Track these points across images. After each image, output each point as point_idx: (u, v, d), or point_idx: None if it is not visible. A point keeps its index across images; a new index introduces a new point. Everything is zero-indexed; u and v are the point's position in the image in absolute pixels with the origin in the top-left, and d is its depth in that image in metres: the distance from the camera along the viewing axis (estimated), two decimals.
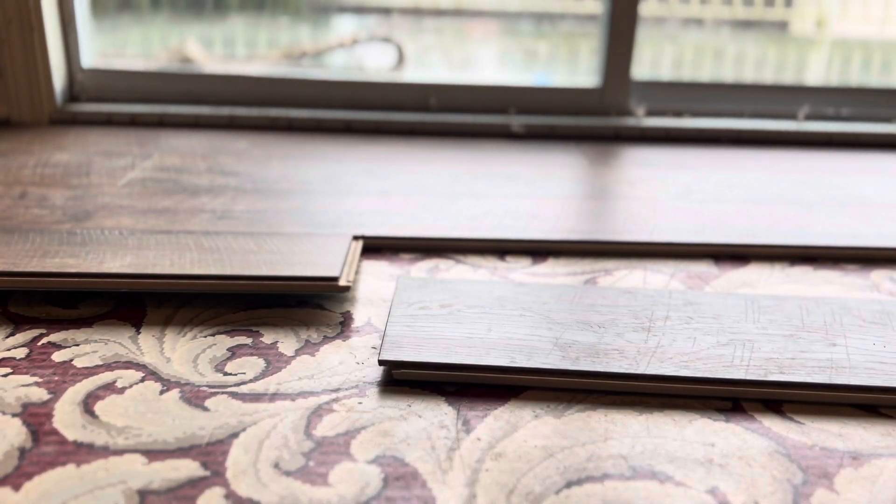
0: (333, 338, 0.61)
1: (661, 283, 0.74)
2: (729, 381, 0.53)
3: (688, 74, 1.68)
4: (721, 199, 1.00)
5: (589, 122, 1.37)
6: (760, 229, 0.87)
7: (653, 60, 1.66)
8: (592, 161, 1.19)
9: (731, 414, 0.52)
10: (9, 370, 0.54)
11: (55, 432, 0.47)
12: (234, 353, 0.57)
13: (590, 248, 0.82)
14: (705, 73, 1.70)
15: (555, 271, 0.76)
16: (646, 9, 1.60)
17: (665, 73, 1.67)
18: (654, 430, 0.50)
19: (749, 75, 1.69)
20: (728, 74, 1.69)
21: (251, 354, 0.57)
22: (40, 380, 0.53)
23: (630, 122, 1.39)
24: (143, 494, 0.42)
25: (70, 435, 0.47)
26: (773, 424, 0.51)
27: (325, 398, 0.52)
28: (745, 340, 0.59)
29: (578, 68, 1.63)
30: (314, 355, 0.58)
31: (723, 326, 0.61)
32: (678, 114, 1.45)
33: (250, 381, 0.54)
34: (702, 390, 0.53)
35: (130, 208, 0.85)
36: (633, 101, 1.43)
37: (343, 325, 0.63)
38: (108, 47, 1.49)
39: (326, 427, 0.48)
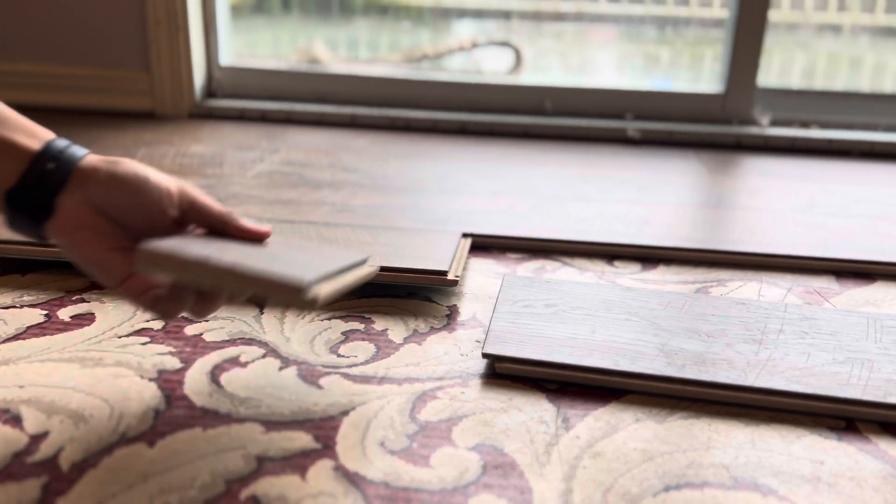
0: (440, 329, 0.63)
1: (777, 297, 0.72)
2: (843, 400, 0.51)
3: (819, 83, 1.60)
4: (847, 213, 0.95)
5: (709, 129, 1.34)
6: (889, 247, 0.83)
7: (782, 68, 1.60)
8: (711, 169, 1.16)
9: (843, 433, 0.50)
10: (147, 339, 0.59)
11: (185, 398, 0.51)
12: (347, 336, 0.61)
13: (703, 258, 0.80)
14: (839, 82, 1.61)
15: (665, 279, 0.75)
16: (777, 14, 1.54)
17: (794, 81, 1.60)
18: (760, 442, 0.49)
19: (888, 86, 1.59)
20: (864, 85, 1.60)
21: (363, 339, 0.60)
22: (174, 350, 0.57)
23: (753, 130, 1.34)
24: (261, 460, 0.45)
25: (198, 401, 0.51)
26: (889, 448, 0.48)
27: (429, 385, 0.54)
28: (864, 360, 0.56)
29: (701, 75, 1.59)
30: (421, 344, 0.60)
31: (840, 344, 0.59)
32: (805, 124, 1.39)
33: (361, 363, 0.56)
34: (813, 407, 0.52)
35: (258, 198, 0.91)
36: (757, 109, 1.38)
37: (449, 318, 0.65)
38: (241, 47, 1.58)
39: (430, 412, 0.50)
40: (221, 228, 0.49)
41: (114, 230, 0.47)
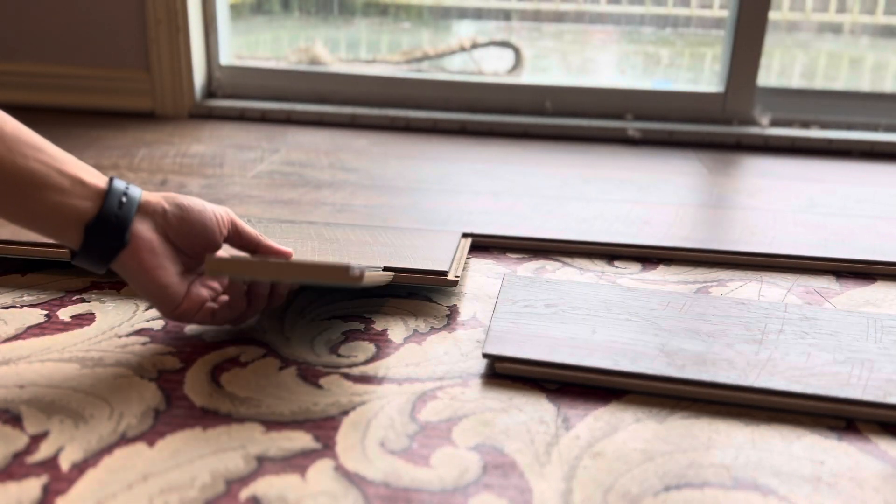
0: (440, 329, 0.63)
1: (777, 297, 0.72)
2: (843, 400, 0.51)
3: (819, 83, 1.60)
4: (847, 213, 0.95)
5: (709, 129, 1.34)
6: (889, 247, 0.83)
7: (782, 68, 1.60)
8: (711, 169, 1.16)
9: (843, 433, 0.50)
10: (147, 339, 0.59)
11: (185, 398, 0.51)
12: (347, 337, 0.61)
13: (703, 258, 0.80)
14: (839, 82, 1.61)
15: (665, 279, 0.75)
16: (777, 14, 1.54)
17: (794, 81, 1.60)
18: (760, 442, 0.48)
19: (888, 86, 1.59)
20: (864, 85, 1.60)
21: (363, 339, 0.60)
22: (174, 350, 0.57)
23: (753, 130, 1.34)
24: (261, 460, 0.45)
25: (198, 401, 0.51)
26: (890, 448, 0.48)
27: (430, 385, 0.54)
28: (864, 360, 0.56)
29: (701, 75, 1.59)
30: (421, 344, 0.60)
31: (840, 344, 0.59)
32: (806, 124, 1.39)
33: (361, 363, 0.56)
34: (813, 407, 0.52)
35: (259, 198, 0.91)
36: (757, 109, 1.38)
37: (449, 318, 0.65)
38: (242, 47, 1.58)
39: (430, 412, 0.50)
40: (254, 247, 0.59)
41: (177, 255, 0.54)
